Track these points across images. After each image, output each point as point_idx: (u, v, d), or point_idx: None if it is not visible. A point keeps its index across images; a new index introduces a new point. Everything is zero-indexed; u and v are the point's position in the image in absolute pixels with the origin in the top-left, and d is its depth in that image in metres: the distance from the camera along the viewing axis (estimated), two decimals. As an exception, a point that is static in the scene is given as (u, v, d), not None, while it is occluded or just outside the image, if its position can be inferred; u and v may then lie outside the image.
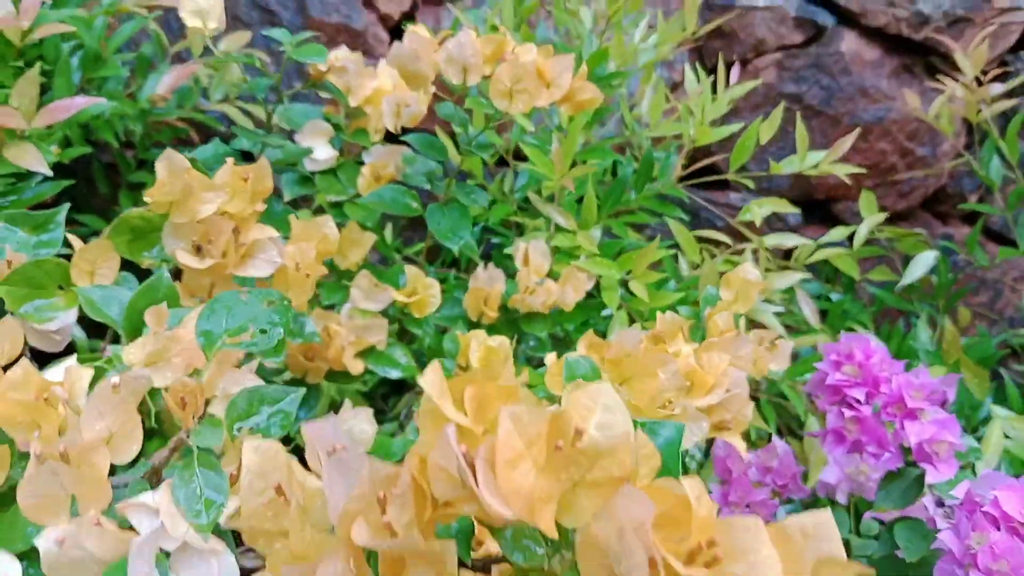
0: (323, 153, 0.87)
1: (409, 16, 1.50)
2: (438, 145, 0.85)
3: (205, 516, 0.38)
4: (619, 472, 0.29)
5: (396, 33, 1.53)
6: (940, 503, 0.67)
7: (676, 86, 1.55)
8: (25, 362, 0.42)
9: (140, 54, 1.40)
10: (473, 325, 0.87)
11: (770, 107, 1.58)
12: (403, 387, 1.05)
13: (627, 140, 1.18)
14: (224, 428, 0.39)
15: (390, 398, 1.05)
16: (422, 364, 0.87)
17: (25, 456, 0.43)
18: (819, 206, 1.74)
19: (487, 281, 0.88)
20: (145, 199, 0.56)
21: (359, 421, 0.71)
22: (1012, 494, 0.53)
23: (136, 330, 0.50)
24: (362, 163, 0.92)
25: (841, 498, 0.84)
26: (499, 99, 0.72)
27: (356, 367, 0.83)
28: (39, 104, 1.12)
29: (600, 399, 0.29)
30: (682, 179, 1.13)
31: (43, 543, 0.35)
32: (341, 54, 0.82)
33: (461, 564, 0.39)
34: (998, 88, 1.24)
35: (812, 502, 0.87)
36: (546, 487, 0.28)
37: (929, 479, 0.67)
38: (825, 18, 1.63)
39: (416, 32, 0.75)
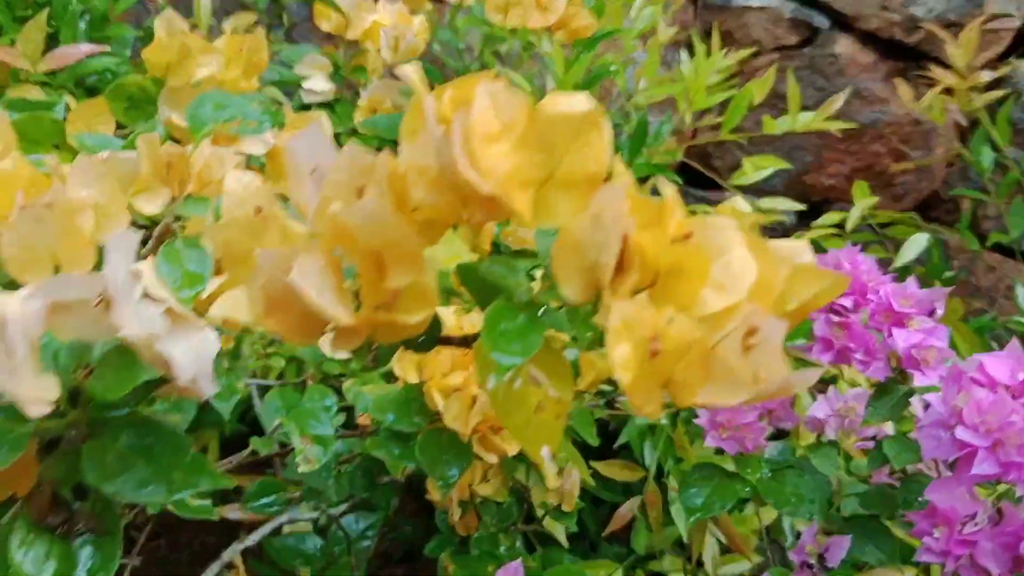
0: (320, 84, 0.88)
1: None
2: (435, 74, 0.86)
3: (188, 290, 0.38)
4: (595, 167, 0.29)
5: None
6: (927, 406, 0.66)
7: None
8: (16, 153, 0.42)
9: (147, 28, 1.42)
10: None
11: (764, 107, 1.60)
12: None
13: (625, 114, 1.20)
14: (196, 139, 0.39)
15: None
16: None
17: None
18: (814, 209, 1.75)
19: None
20: (145, 56, 0.57)
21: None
22: (998, 362, 0.53)
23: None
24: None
25: (830, 433, 0.83)
26: (494, 12, 0.74)
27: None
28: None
29: (576, 98, 0.29)
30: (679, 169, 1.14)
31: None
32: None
33: (442, 341, 0.39)
34: (989, 75, 1.26)
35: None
36: (522, 168, 0.29)
37: (917, 383, 0.67)
38: (820, 20, 1.67)
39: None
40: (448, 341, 0.39)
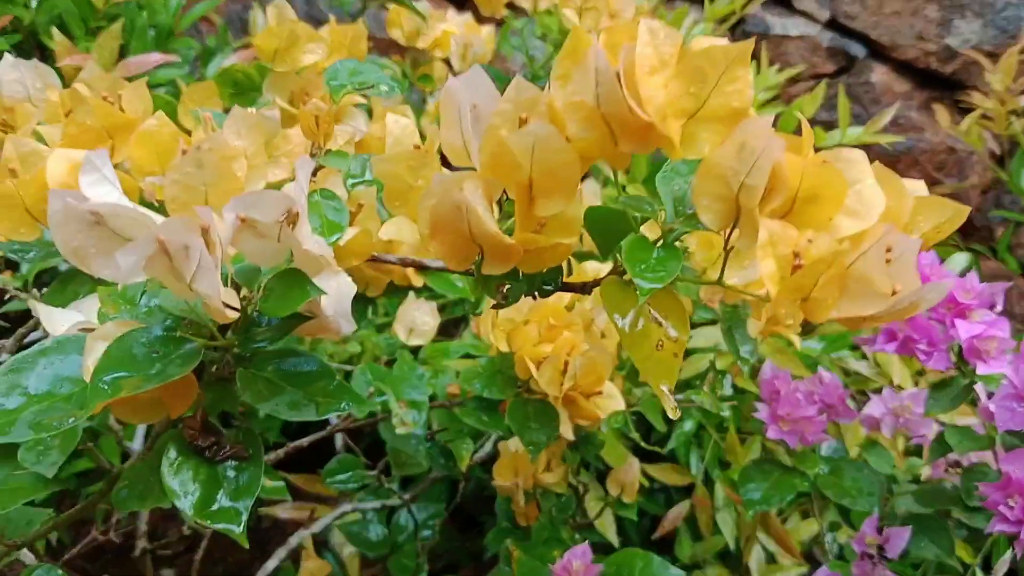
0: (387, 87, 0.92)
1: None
2: (504, 78, 0.89)
3: (328, 237, 0.41)
4: (739, 103, 0.32)
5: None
6: (989, 395, 0.68)
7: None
8: (160, 113, 0.45)
9: (206, 46, 1.47)
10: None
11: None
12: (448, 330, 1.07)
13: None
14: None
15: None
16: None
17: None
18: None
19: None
20: (255, 43, 0.60)
21: (422, 313, 0.74)
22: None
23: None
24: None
25: (886, 432, 0.84)
26: (570, 11, 0.77)
27: (417, 281, 0.85)
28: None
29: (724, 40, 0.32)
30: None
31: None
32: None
33: (565, 287, 0.42)
34: (1027, 100, 1.29)
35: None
36: (677, 99, 0.31)
37: (979, 372, 0.68)
38: (857, 49, 1.70)
39: (492, -40, 0.81)
40: (570, 288, 0.42)
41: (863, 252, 0.30)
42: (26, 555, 0.73)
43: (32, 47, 1.30)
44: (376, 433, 1.16)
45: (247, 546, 0.37)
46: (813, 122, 1.65)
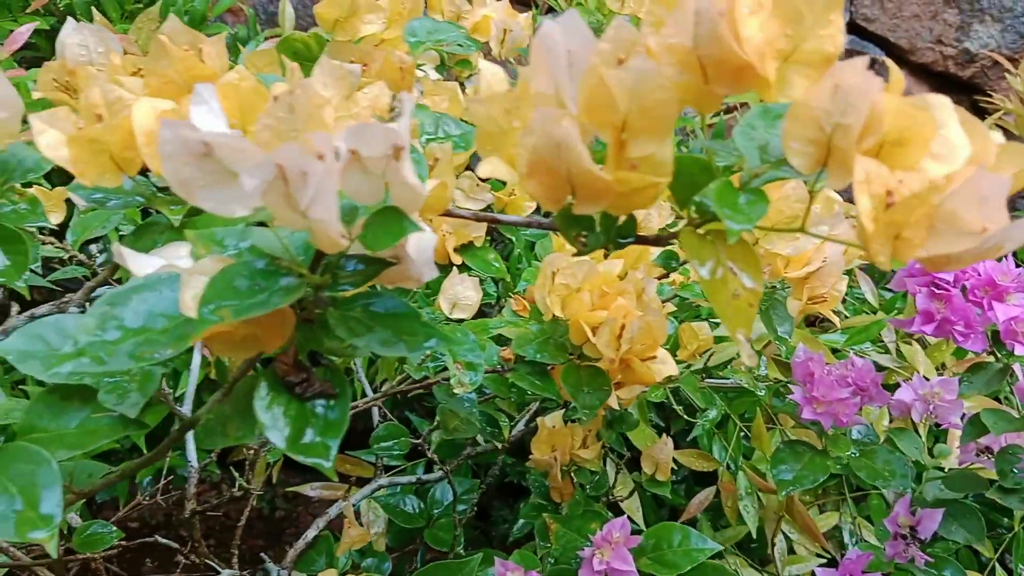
0: (431, 75, 0.93)
1: None
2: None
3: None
4: (831, 48, 0.33)
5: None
6: (1029, 373, 0.69)
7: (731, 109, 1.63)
8: (241, 67, 0.47)
9: (235, 34, 1.49)
10: (561, 240, 0.91)
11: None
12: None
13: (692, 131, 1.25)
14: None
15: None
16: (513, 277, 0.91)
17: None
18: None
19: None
20: (316, 11, 0.61)
21: (465, 288, 0.75)
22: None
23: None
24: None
25: (916, 417, 0.86)
26: (613, 0, 0.78)
27: (456, 260, 0.87)
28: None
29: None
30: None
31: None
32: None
33: (639, 240, 0.43)
34: (1048, 101, 1.31)
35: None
36: (774, 39, 0.33)
37: (1017, 352, 0.69)
38: (875, 52, 1.72)
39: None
40: (644, 240, 0.43)
41: (954, 191, 0.32)
42: (73, 518, 0.74)
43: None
44: (402, 415, 1.17)
45: (335, 479, 0.38)
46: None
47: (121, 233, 0.81)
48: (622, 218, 0.42)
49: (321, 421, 0.40)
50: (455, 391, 0.55)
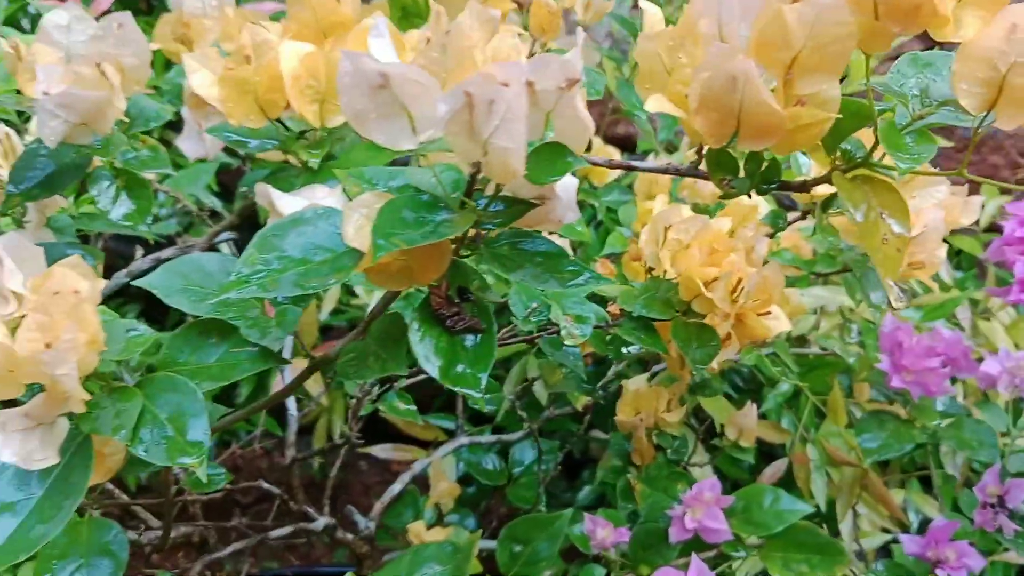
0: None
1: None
2: (631, 25, 0.91)
3: None
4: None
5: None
6: None
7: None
8: (378, 13, 0.47)
9: None
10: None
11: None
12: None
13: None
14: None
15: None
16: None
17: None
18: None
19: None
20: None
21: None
22: None
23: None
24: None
25: (1002, 389, 0.85)
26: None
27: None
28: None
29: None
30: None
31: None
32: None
33: (782, 185, 0.43)
34: None
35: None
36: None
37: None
38: (943, 30, 1.70)
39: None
40: (787, 186, 0.43)
41: None
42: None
43: (143, 1, 1.34)
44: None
45: (485, 409, 0.39)
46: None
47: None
48: (765, 163, 0.43)
49: (470, 354, 0.41)
50: (567, 342, 0.56)
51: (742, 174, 0.42)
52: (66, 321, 0.39)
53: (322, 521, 0.71)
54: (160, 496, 0.71)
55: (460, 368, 0.40)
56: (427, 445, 1.08)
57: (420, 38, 0.42)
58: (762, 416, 1.06)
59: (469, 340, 0.41)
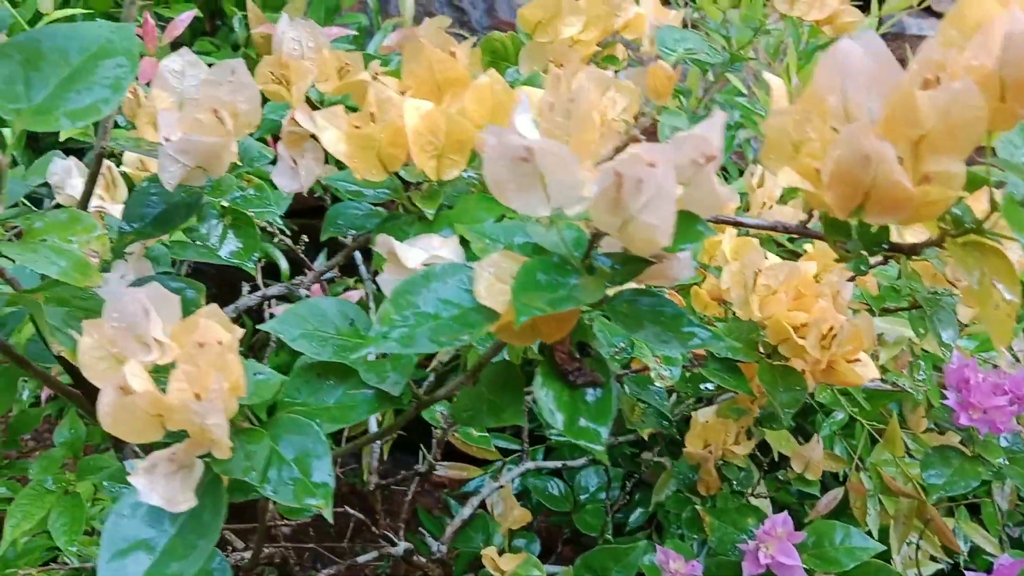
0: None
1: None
2: (698, 60, 0.92)
3: None
4: None
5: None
6: None
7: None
8: (493, 71, 0.49)
9: (359, 24, 1.52)
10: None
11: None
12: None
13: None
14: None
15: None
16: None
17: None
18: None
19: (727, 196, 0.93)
20: (521, 13, 0.64)
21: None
22: None
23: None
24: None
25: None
26: (782, 2, 0.79)
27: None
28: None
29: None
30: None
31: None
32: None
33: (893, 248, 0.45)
34: None
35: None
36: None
37: None
38: None
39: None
40: (897, 248, 0.45)
41: None
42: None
43: (207, 20, 1.37)
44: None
45: (607, 463, 0.41)
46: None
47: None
48: (875, 226, 0.44)
49: (592, 409, 0.42)
50: (656, 383, 0.58)
51: (854, 235, 0.43)
52: (213, 372, 0.41)
53: (403, 546, 0.73)
54: (245, 520, 0.73)
55: (582, 422, 0.42)
56: (481, 463, 1.10)
57: (543, 102, 0.44)
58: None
59: (590, 394, 0.43)
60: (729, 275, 0.62)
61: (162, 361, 0.42)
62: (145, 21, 1.04)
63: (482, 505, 0.94)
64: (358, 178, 0.48)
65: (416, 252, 0.48)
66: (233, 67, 0.58)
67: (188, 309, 0.60)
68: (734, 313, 0.64)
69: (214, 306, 0.44)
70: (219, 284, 0.84)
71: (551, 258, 0.40)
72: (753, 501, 0.97)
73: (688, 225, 0.38)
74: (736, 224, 0.47)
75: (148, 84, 0.99)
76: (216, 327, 0.42)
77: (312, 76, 0.65)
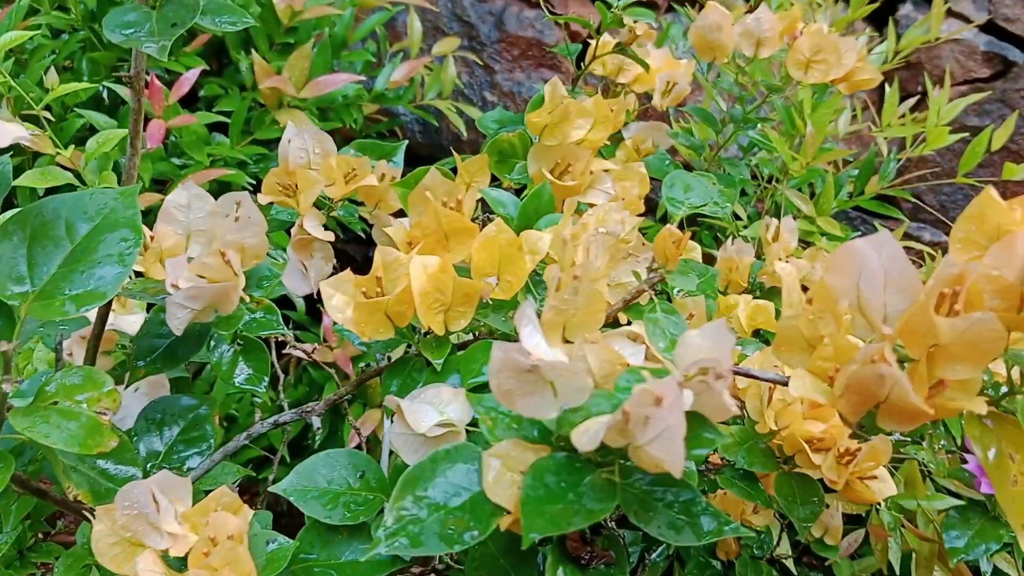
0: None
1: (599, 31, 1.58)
2: (711, 119, 0.91)
3: (666, 343, 0.44)
4: None
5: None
6: None
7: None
8: (499, 220, 0.49)
9: (367, 59, 1.50)
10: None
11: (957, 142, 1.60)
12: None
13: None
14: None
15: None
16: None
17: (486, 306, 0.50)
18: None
19: (736, 253, 0.92)
20: (529, 119, 0.63)
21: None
22: None
23: (528, 223, 0.57)
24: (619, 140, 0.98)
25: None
26: (795, 69, 0.78)
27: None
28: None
29: None
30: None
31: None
32: (639, 27, 0.88)
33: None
34: None
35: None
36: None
37: None
38: (1016, 55, 1.65)
39: (718, 6, 0.81)
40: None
41: None
42: None
43: (214, 60, 1.36)
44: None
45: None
46: (963, 127, 1.61)
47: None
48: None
49: (603, 590, 0.42)
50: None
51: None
52: (226, 569, 0.41)
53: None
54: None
55: (596, 607, 0.42)
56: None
57: (553, 277, 0.43)
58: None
59: (601, 573, 0.43)
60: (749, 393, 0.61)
61: (175, 553, 0.42)
62: (151, 82, 1.03)
63: None
64: (365, 339, 0.47)
65: (424, 412, 0.47)
66: (238, 199, 0.58)
67: (200, 424, 0.61)
68: (749, 417, 0.63)
69: (224, 488, 0.44)
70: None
71: (557, 455, 0.40)
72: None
73: (698, 430, 0.38)
74: (747, 375, 0.46)
75: (153, 146, 0.98)
76: (227, 518, 0.42)
77: (320, 186, 0.64)
